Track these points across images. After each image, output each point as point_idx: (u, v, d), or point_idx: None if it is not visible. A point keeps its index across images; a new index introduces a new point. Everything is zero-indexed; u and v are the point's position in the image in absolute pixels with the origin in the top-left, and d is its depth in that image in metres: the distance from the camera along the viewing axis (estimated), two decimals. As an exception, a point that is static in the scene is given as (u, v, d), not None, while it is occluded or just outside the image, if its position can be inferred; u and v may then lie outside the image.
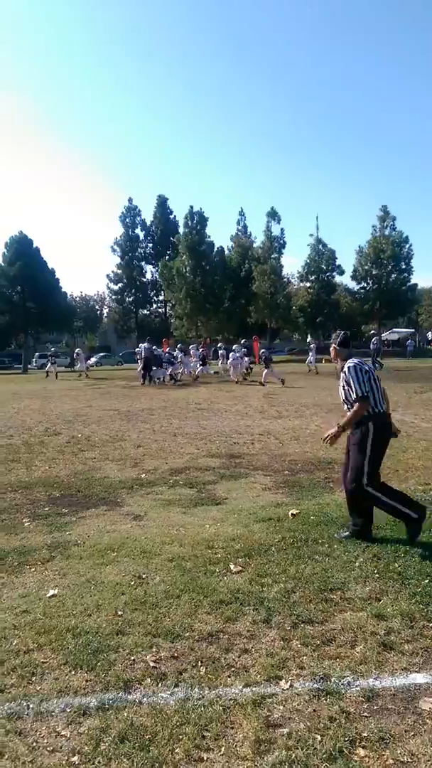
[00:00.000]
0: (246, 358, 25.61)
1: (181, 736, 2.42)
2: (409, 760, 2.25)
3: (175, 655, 3.07)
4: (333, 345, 4.92)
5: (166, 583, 3.93)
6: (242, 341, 28.73)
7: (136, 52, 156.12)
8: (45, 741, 2.43)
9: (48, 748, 2.38)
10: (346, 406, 4.63)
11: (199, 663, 2.98)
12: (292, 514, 5.31)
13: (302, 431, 10.41)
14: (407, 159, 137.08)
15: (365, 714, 2.55)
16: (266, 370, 22.44)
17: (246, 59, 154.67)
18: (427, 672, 2.84)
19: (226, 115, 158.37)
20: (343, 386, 4.63)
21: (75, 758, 2.32)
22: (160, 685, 2.81)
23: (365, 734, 2.40)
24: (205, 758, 2.31)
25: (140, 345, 25.89)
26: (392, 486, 4.74)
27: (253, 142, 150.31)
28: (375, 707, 2.59)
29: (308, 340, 31.84)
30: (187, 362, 26.97)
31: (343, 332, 4.94)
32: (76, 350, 34.35)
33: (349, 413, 4.51)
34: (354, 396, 4.47)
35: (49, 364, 30.97)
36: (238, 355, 24.27)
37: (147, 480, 7.03)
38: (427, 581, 3.77)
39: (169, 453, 8.72)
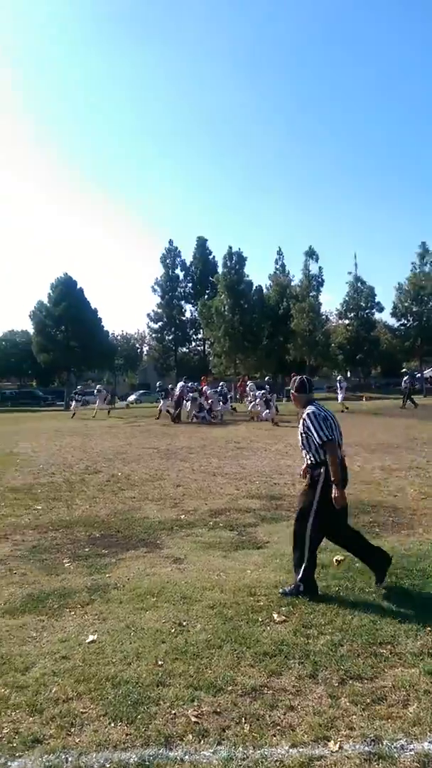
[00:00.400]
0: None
1: (225, 801, 2.31)
2: None
3: (218, 710, 2.95)
4: (292, 391, 4.85)
5: (207, 632, 3.82)
6: (266, 378, 28.37)
7: (172, 96, 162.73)
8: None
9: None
10: (304, 452, 4.58)
11: (243, 720, 2.85)
12: (336, 560, 5.13)
13: (344, 472, 10.16)
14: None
15: (421, 783, 2.38)
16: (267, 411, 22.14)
17: (288, 93, 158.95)
18: None
19: (261, 155, 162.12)
20: (302, 432, 4.56)
21: None
22: (202, 742, 2.70)
23: (422, 806, 2.23)
24: None
25: (178, 383, 25.90)
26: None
27: (290, 182, 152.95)
28: (432, 776, 2.42)
29: (338, 377, 31.04)
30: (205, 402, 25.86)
31: (299, 377, 4.81)
32: (97, 386, 33.99)
33: (330, 465, 4.35)
34: (319, 441, 4.38)
35: (73, 403, 30.93)
36: (259, 393, 23.99)
37: (187, 521, 6.95)
38: None
39: (209, 493, 8.64)
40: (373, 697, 3.01)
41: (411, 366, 53.89)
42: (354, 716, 2.85)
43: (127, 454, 13.61)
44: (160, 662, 3.43)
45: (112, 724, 2.85)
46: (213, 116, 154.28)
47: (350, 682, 3.17)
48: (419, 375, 51.67)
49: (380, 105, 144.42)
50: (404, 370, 34.40)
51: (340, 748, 2.61)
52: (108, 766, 2.54)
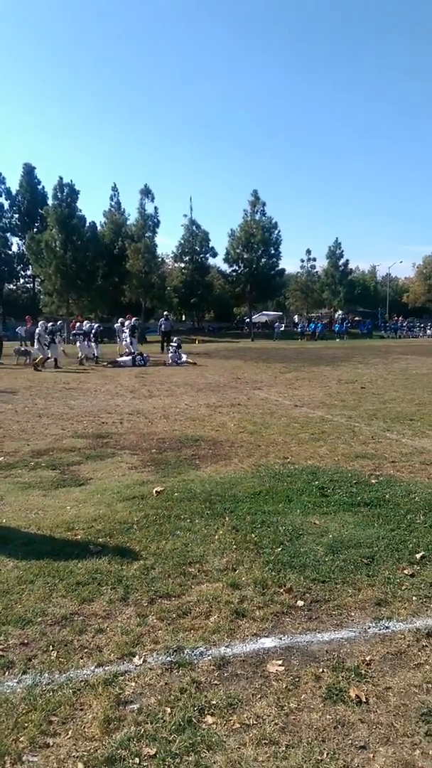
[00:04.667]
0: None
1: (26, 724, 2.32)
2: (255, 722, 2.34)
3: (25, 641, 2.93)
4: None
5: (19, 569, 3.74)
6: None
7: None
8: None
9: None
10: None
11: (51, 647, 2.87)
12: (156, 491, 5.30)
13: (172, 410, 10.45)
14: (277, 144, 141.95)
15: (215, 682, 2.60)
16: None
17: (130, 24, 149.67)
18: (275, 636, 2.97)
19: (100, 84, 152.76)
20: None
21: None
22: (6, 673, 2.67)
23: (214, 702, 2.46)
24: (51, 743, 2.23)
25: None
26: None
27: (127, 117, 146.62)
28: (225, 674, 2.66)
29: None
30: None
31: None
32: None
33: None
34: None
35: None
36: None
37: (5, 463, 6.64)
38: (279, 549, 3.95)
39: (32, 434, 8.32)
40: (179, 612, 3.20)
41: (241, 311, 56.25)
42: (160, 631, 3.02)
43: None
44: (-36, 603, 3.29)
45: None
46: (51, 26, 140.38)
47: (159, 600, 3.33)
48: (247, 320, 54.44)
49: (225, 54, 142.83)
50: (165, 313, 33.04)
51: (144, 661, 2.76)
52: None
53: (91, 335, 23.47)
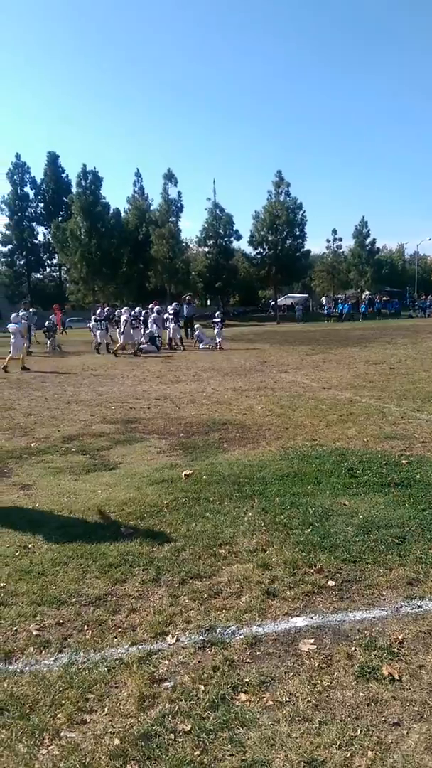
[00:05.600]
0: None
1: (63, 701, 2.38)
2: (288, 699, 2.35)
3: (61, 621, 2.99)
4: None
5: (53, 551, 3.82)
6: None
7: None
8: None
9: None
10: None
11: (85, 627, 2.93)
12: (185, 474, 5.33)
13: (198, 394, 10.47)
14: (301, 123, 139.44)
15: (248, 660, 2.63)
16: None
17: (151, 15, 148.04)
18: (306, 615, 2.98)
19: (118, 72, 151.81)
20: None
21: None
22: (43, 653, 2.74)
23: (247, 679, 2.48)
24: (87, 720, 2.28)
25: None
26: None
27: (147, 103, 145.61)
28: (257, 653, 2.68)
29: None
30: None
31: None
32: None
33: None
34: None
35: None
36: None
37: (37, 449, 6.77)
38: (309, 530, 3.95)
39: (62, 420, 8.45)
40: (210, 592, 3.23)
41: (266, 294, 55.86)
42: (192, 611, 3.05)
43: (-27, 385, 12.78)
44: (2, 584, 3.38)
45: None
46: (75, 17, 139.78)
47: (190, 581, 3.37)
48: (273, 303, 54.02)
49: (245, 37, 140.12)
50: (186, 296, 32.46)
51: (177, 640, 2.79)
52: None
53: (105, 322, 23.18)
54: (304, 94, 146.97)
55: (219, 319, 23.17)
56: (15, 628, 2.94)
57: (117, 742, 2.15)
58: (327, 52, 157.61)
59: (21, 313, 19.12)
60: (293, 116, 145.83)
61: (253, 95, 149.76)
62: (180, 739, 2.15)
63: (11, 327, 16.81)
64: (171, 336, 22.95)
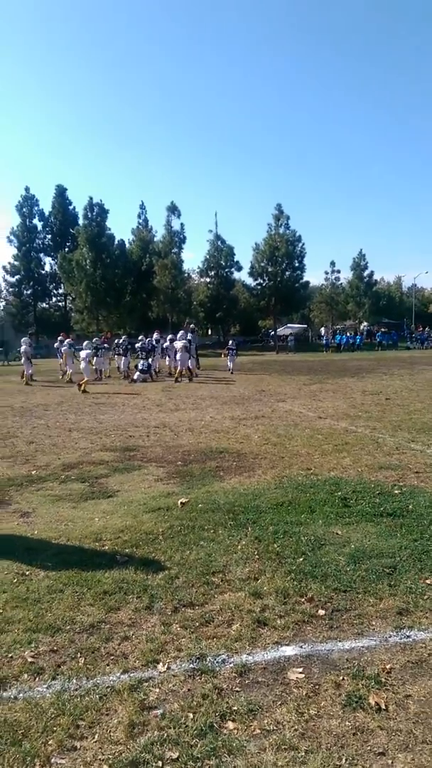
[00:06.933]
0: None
1: (55, 728, 2.42)
2: (275, 727, 2.39)
3: (55, 648, 3.04)
4: None
5: (50, 578, 3.87)
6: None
7: (30, 43, 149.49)
8: None
9: None
10: None
11: (79, 654, 2.97)
12: (181, 502, 5.39)
13: (197, 423, 10.56)
14: (300, 156, 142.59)
15: (237, 689, 2.67)
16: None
17: (152, 54, 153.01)
18: (296, 644, 3.02)
19: (123, 106, 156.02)
20: None
21: None
22: (37, 679, 2.78)
23: (235, 708, 2.52)
24: (78, 746, 2.32)
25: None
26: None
27: (151, 135, 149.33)
28: (246, 681, 2.72)
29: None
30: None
31: None
32: None
33: None
34: None
35: None
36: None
37: (38, 476, 6.83)
38: (301, 559, 4.00)
39: (63, 448, 8.52)
40: (202, 620, 3.28)
41: (266, 324, 56.26)
42: (183, 639, 3.09)
43: (-25, 413, 12.88)
44: (-2, 611, 3.43)
45: None
46: (72, 53, 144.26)
47: (183, 609, 3.41)
48: (272, 333, 54.41)
49: (247, 69, 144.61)
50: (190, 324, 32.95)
51: (168, 668, 2.84)
52: None
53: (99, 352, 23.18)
54: (305, 125, 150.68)
55: (233, 348, 23.89)
56: (10, 655, 2.98)
57: (106, 768, 2.19)
58: (328, 83, 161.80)
59: (87, 342, 21.43)
60: (293, 148, 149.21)
61: (254, 127, 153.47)
62: (168, 767, 2.19)
63: (82, 354, 19.54)
64: (182, 366, 22.42)
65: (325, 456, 7.31)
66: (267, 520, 4.83)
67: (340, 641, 3.03)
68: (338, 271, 61.52)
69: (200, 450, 8.01)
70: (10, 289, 60.58)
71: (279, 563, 3.97)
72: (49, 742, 2.34)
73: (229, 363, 23.52)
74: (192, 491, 5.89)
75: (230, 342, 25.54)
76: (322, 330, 57.75)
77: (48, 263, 60.51)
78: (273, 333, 54.58)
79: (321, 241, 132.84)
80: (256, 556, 4.10)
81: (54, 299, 63.49)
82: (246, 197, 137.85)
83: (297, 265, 51.94)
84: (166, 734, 2.36)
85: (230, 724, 2.41)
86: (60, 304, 63.36)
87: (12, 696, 2.65)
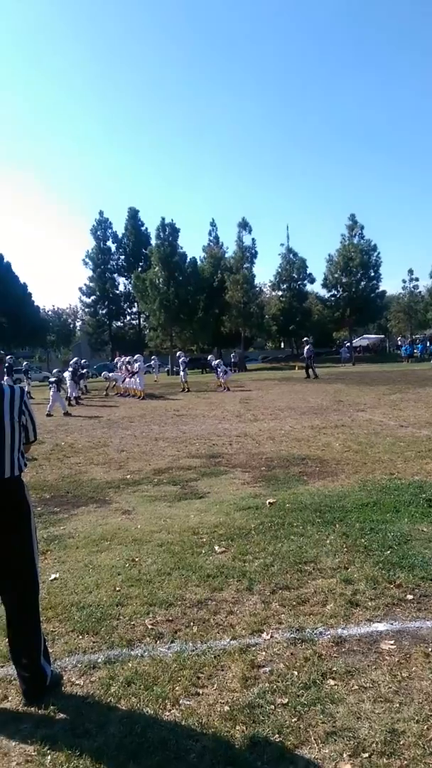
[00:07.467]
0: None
1: (179, 678, 2.85)
2: (371, 685, 2.71)
3: (170, 618, 3.49)
4: None
5: (157, 564, 4.35)
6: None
7: (99, 71, 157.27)
8: (61, 690, 2.83)
9: (64, 695, 2.79)
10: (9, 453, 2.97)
11: (192, 624, 3.41)
12: (269, 502, 5.77)
13: (277, 432, 10.90)
14: (376, 168, 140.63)
15: (335, 655, 3.00)
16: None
17: (222, 70, 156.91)
18: (386, 622, 3.32)
19: (194, 126, 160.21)
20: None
21: (89, 700, 2.73)
22: (158, 642, 3.24)
23: (335, 669, 2.86)
24: (200, 692, 2.74)
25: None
26: None
27: (223, 154, 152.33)
28: (343, 650, 3.05)
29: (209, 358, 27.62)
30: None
31: None
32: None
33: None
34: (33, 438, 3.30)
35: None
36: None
37: (132, 480, 7.42)
38: (388, 552, 4.27)
39: (152, 455, 9.12)
40: (298, 600, 3.63)
41: (341, 335, 55.67)
42: (282, 615, 3.46)
43: (68, 426, 13.86)
44: (117, 588, 3.93)
45: (80, 637, 3.34)
46: (139, 81, 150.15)
47: (280, 591, 3.78)
48: (348, 344, 53.81)
49: (314, 72, 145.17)
50: (305, 339, 33.16)
51: (271, 636, 3.21)
52: (79, 666, 3.03)
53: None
54: (382, 127, 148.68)
55: (221, 367, 23.94)
56: (132, 623, 3.46)
57: (227, 708, 2.59)
58: (402, 88, 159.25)
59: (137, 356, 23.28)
60: (368, 151, 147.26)
61: (328, 134, 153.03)
62: (279, 709, 2.56)
63: (136, 366, 21.96)
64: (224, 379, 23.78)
65: (408, 462, 7.46)
66: (353, 518, 5.11)
67: (428, 620, 3.30)
68: (416, 279, 60.06)
69: (282, 457, 8.36)
70: (87, 309, 63.59)
71: (367, 555, 4.26)
72: (176, 689, 2.77)
73: (221, 379, 23.72)
74: (278, 493, 6.25)
75: (217, 361, 24.75)
76: (399, 340, 56.50)
77: (122, 283, 63.06)
78: (349, 344, 54.00)
79: (399, 249, 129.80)
80: (345, 549, 4.41)
81: (128, 318, 65.90)
82: (319, 206, 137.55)
83: (372, 274, 51.24)
84: (275, 686, 2.73)
85: (331, 681, 2.76)
86: (134, 322, 65.62)
87: (139, 654, 3.12)
